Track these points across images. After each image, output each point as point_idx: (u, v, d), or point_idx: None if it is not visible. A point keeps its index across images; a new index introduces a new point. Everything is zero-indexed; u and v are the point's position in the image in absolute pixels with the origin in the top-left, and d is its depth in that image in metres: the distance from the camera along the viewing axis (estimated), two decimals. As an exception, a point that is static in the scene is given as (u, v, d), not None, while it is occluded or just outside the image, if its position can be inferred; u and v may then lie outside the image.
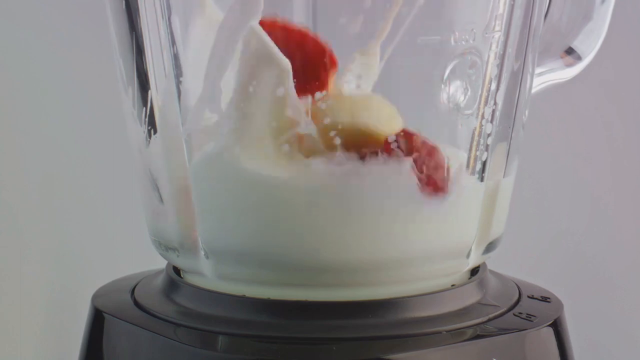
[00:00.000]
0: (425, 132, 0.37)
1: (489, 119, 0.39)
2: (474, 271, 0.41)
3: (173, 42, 0.38)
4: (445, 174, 0.37)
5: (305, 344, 0.36)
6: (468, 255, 0.39)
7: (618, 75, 0.65)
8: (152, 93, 0.39)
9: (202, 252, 0.39)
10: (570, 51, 0.44)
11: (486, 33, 0.38)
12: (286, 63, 0.36)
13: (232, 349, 0.36)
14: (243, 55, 0.36)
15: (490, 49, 0.38)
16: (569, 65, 0.44)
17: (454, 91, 0.38)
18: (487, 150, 0.39)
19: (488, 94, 0.39)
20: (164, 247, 0.41)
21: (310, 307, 0.37)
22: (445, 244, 0.38)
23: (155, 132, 0.40)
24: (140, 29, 0.39)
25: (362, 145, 0.36)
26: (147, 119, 0.40)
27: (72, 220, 0.63)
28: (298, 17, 0.37)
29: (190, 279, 0.40)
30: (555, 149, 0.66)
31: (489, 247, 0.41)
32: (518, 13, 0.39)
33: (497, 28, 0.38)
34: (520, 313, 0.39)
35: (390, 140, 0.36)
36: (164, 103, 0.39)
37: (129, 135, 0.42)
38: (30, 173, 0.63)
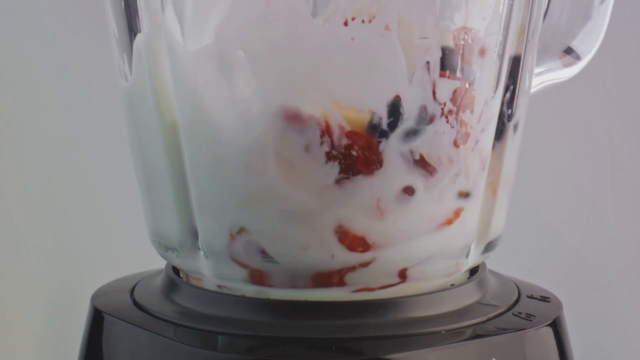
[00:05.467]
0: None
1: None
2: (474, 271, 0.41)
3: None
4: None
5: (305, 344, 0.36)
6: (467, 255, 0.39)
7: (617, 75, 0.65)
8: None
9: (202, 253, 0.39)
10: (569, 51, 0.44)
11: (485, 33, 0.38)
12: None
13: (232, 349, 0.36)
14: None
15: (489, 48, 0.38)
16: (568, 65, 0.44)
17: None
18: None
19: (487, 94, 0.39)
20: (164, 247, 0.41)
21: (311, 307, 0.37)
22: (444, 243, 0.38)
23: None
24: (140, 29, 0.39)
25: None
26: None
27: (72, 220, 0.63)
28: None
29: (190, 279, 0.40)
30: (555, 149, 0.66)
31: (489, 247, 0.41)
32: (517, 13, 0.39)
33: (496, 28, 0.38)
34: (519, 313, 0.39)
35: None
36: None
37: (129, 135, 0.42)
38: (30, 173, 0.63)
